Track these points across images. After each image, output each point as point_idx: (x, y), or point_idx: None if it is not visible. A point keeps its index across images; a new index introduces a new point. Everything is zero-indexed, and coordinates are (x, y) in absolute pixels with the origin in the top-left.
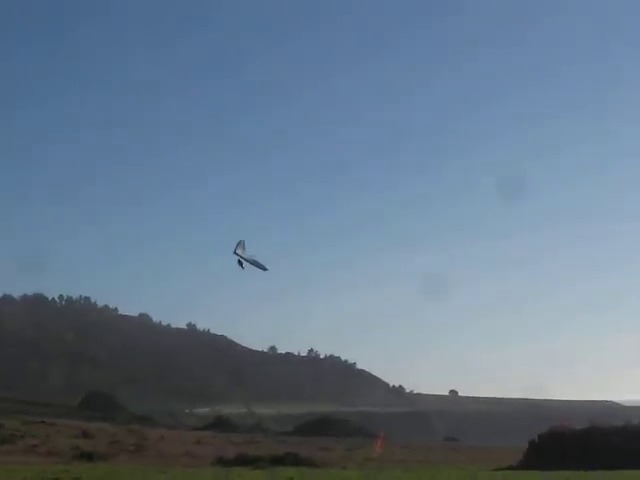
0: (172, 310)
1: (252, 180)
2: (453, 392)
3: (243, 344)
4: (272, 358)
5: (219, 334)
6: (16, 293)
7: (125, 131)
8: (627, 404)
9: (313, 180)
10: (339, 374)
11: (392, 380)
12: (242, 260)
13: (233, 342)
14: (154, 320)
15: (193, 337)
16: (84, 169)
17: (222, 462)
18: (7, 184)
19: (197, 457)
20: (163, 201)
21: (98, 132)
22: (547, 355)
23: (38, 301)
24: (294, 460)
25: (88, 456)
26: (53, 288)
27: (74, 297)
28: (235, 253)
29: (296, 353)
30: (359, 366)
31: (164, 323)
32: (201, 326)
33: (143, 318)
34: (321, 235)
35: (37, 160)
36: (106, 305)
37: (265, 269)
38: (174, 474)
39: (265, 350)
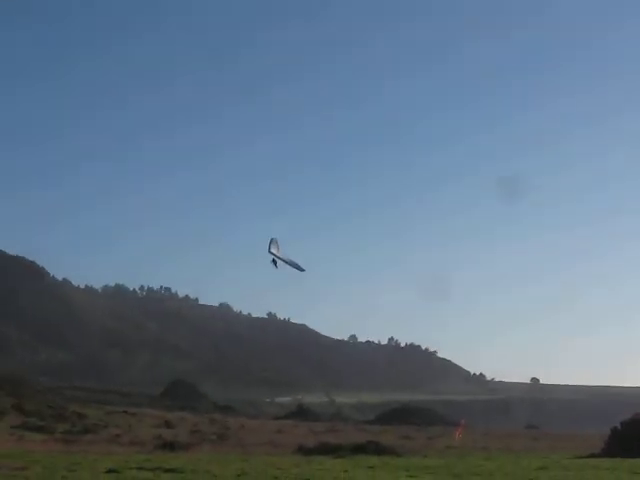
0: (252, 300)
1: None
2: (534, 380)
3: (323, 333)
4: (352, 347)
5: (299, 323)
6: (97, 284)
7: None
8: None
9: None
10: (419, 362)
11: (473, 368)
12: (276, 259)
13: (313, 331)
14: (234, 310)
15: (273, 326)
16: (164, 163)
17: (303, 451)
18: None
19: (278, 446)
20: (242, 193)
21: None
22: (627, 343)
23: (119, 292)
24: (375, 449)
25: (170, 446)
26: (134, 279)
27: (155, 287)
28: (270, 252)
29: (376, 341)
30: (440, 354)
31: (244, 312)
32: (281, 315)
33: (223, 308)
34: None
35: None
36: (187, 295)
37: (302, 270)
38: (256, 463)
39: (345, 339)
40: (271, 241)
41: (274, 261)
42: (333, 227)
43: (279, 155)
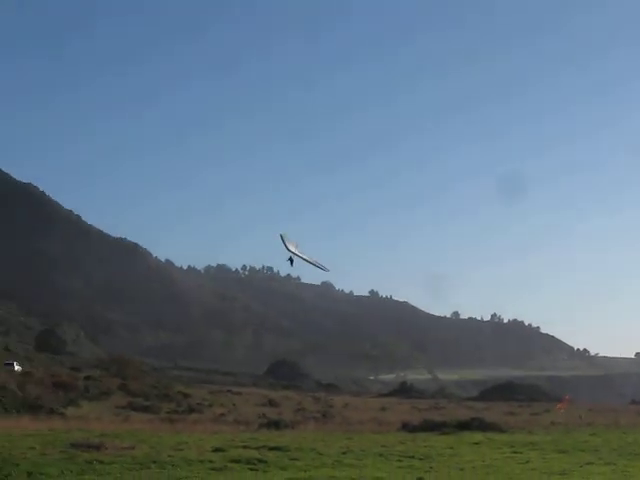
0: (354, 278)
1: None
2: (639, 355)
3: (425, 310)
4: (455, 323)
5: (401, 300)
6: (200, 265)
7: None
8: None
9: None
10: (523, 338)
11: (576, 343)
12: (293, 258)
13: (415, 308)
14: (336, 288)
15: (375, 304)
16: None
17: (407, 428)
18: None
19: (382, 423)
20: (351, 168)
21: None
22: None
23: (221, 272)
24: (480, 425)
25: (275, 424)
26: (236, 259)
27: (257, 267)
28: (289, 251)
29: (479, 318)
30: (543, 330)
31: (346, 291)
32: (383, 293)
33: (325, 286)
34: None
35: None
36: (288, 274)
37: (326, 270)
38: (360, 440)
39: (448, 315)
40: (282, 237)
41: (290, 259)
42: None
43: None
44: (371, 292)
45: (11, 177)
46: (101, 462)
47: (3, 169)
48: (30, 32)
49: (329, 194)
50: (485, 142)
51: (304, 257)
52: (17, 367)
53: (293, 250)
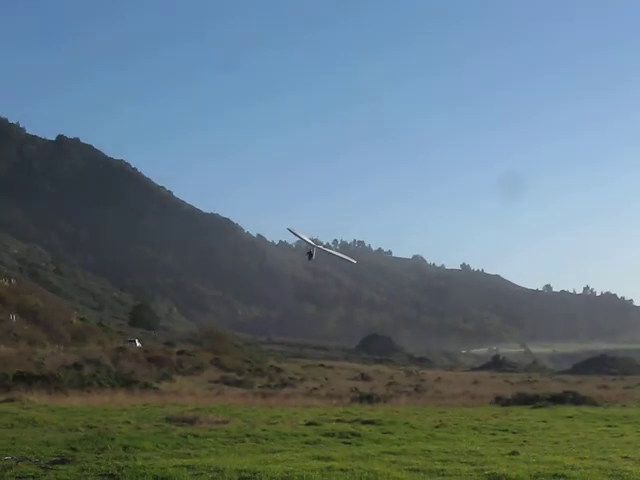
0: (445, 251)
1: None
2: None
3: (517, 283)
4: (547, 297)
5: (493, 274)
6: (291, 240)
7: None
8: None
9: None
10: (615, 311)
11: None
12: (312, 253)
13: (507, 281)
14: (428, 262)
15: (467, 278)
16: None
17: (500, 402)
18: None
19: (475, 397)
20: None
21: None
22: None
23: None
24: (573, 399)
25: (367, 398)
26: (327, 233)
27: (348, 241)
28: (313, 245)
29: (571, 291)
30: (636, 303)
31: (438, 264)
32: (475, 266)
33: (417, 260)
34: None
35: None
36: (380, 248)
37: (353, 262)
38: (453, 414)
39: (540, 288)
40: (294, 232)
41: (309, 253)
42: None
43: None
44: (462, 266)
45: (104, 154)
46: (195, 436)
47: (95, 146)
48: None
49: (421, 176)
50: None
51: (329, 250)
52: (138, 344)
53: (309, 241)
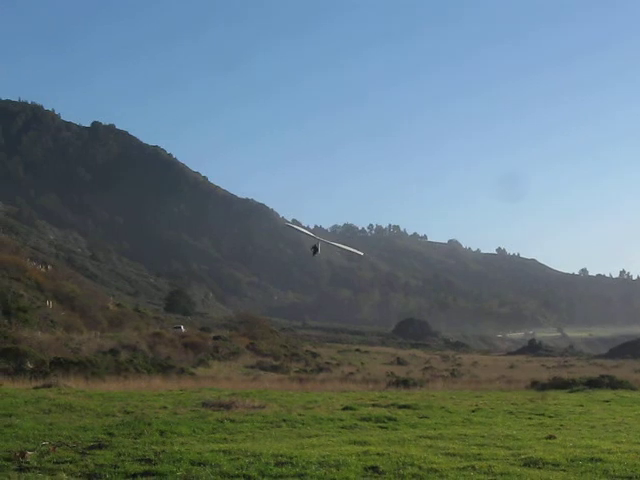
0: (481, 235)
1: None
2: None
3: (554, 267)
4: (583, 281)
5: (529, 258)
6: (326, 224)
7: None
8: None
9: None
10: None
11: None
12: (317, 247)
13: (543, 265)
14: (463, 246)
15: (503, 262)
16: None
17: (537, 386)
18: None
19: (511, 381)
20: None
21: None
22: None
23: (348, 231)
24: (610, 383)
25: (403, 382)
26: (362, 218)
27: (383, 226)
28: (318, 240)
29: (607, 275)
30: None
31: (473, 249)
32: (511, 250)
33: (452, 244)
34: None
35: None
36: (415, 233)
37: (360, 254)
38: (489, 398)
39: (576, 273)
40: (296, 227)
41: (314, 248)
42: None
43: None
44: (498, 250)
45: (139, 140)
46: (232, 421)
47: (131, 133)
48: None
49: (458, 160)
50: None
51: (334, 243)
52: (183, 329)
53: (313, 235)
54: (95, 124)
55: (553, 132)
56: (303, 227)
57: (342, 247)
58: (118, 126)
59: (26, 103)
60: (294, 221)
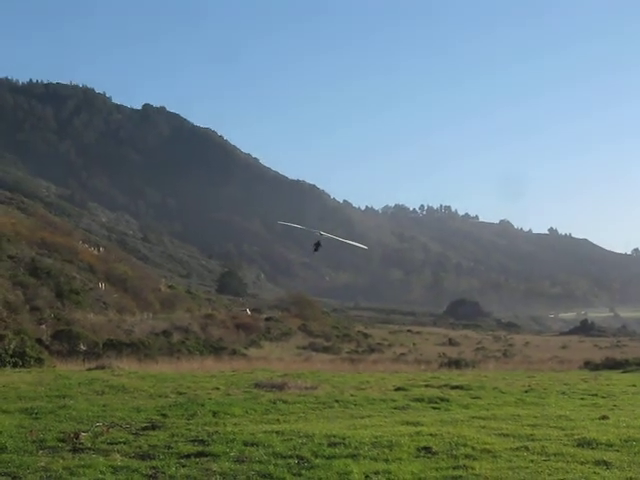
0: (533, 216)
1: None
2: None
3: (605, 247)
4: (636, 260)
5: (581, 238)
6: (378, 205)
7: None
8: None
9: None
10: None
11: None
12: (321, 241)
13: (595, 246)
14: (515, 226)
15: (555, 242)
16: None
17: (589, 366)
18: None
19: (564, 362)
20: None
21: None
22: None
23: (399, 212)
24: None
25: (455, 363)
26: (413, 198)
27: (435, 207)
28: (320, 235)
29: None
30: None
31: (525, 229)
32: (562, 231)
33: (504, 225)
34: None
35: None
36: (466, 213)
37: (365, 248)
38: (542, 379)
39: (628, 253)
40: (287, 224)
41: (316, 244)
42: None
43: None
44: (550, 230)
45: (190, 123)
46: (285, 402)
47: (182, 115)
48: None
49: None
50: None
51: (335, 237)
52: (249, 312)
53: (313, 230)
54: (146, 106)
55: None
56: (296, 225)
57: (345, 241)
58: (169, 108)
59: (77, 86)
60: (345, 202)
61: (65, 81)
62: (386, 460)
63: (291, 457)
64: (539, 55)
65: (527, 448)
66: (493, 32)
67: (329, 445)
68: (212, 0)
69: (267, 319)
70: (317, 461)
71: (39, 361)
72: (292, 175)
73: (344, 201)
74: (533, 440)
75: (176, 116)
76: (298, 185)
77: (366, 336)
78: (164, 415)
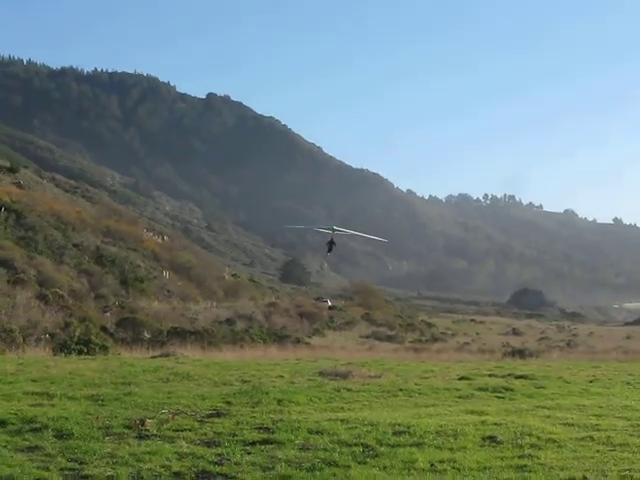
0: (597, 205)
1: None
2: None
3: None
4: None
5: None
6: (441, 194)
7: None
8: None
9: None
10: None
11: None
12: (332, 244)
13: None
14: (579, 216)
15: (619, 232)
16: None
17: None
18: None
19: (628, 352)
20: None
21: None
22: None
23: (463, 201)
24: None
25: (519, 353)
26: (477, 188)
27: (498, 196)
28: (333, 230)
29: None
30: None
31: (589, 219)
32: (628, 220)
33: (568, 214)
34: None
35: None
36: (530, 202)
37: (385, 241)
38: (606, 369)
39: None
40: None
41: (330, 243)
42: None
43: None
44: (615, 220)
45: (253, 112)
46: (349, 390)
47: (246, 104)
48: None
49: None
50: None
51: (355, 232)
52: (329, 303)
53: (325, 230)
54: (210, 95)
55: None
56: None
57: (363, 235)
58: (233, 97)
59: (142, 75)
60: (409, 191)
61: (130, 70)
62: (451, 449)
63: (356, 445)
64: None
65: (592, 438)
66: None
67: (394, 433)
68: None
69: (330, 308)
70: (382, 449)
71: (104, 348)
72: (356, 164)
73: (408, 190)
74: (598, 430)
75: (240, 105)
76: (361, 173)
77: (429, 325)
78: (229, 403)
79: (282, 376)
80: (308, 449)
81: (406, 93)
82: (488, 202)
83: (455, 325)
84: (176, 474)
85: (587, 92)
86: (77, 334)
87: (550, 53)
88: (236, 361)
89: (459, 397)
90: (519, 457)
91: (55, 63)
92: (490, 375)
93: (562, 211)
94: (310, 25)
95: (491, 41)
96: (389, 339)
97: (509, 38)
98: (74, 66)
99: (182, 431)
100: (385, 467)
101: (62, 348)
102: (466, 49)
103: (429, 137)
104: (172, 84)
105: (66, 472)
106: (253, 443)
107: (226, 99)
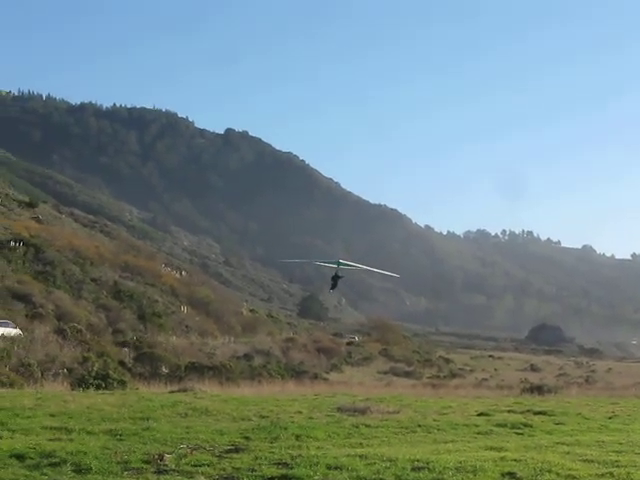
0: (616, 242)
1: None
2: None
3: None
4: None
5: None
6: (459, 230)
7: None
8: None
9: None
10: None
11: None
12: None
13: None
14: (597, 252)
15: (637, 267)
16: None
17: None
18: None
19: None
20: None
21: None
22: None
23: (481, 237)
24: None
25: (538, 389)
26: (495, 224)
27: (516, 232)
28: (339, 264)
29: None
30: None
31: (607, 254)
32: None
33: (586, 250)
34: None
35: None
36: (548, 238)
37: (396, 276)
38: (626, 405)
39: None
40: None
41: (335, 278)
42: None
43: None
44: (633, 255)
45: (272, 147)
46: (367, 426)
47: (264, 140)
48: None
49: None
50: None
51: (366, 267)
52: (357, 339)
53: (331, 265)
54: (228, 131)
55: None
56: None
57: (373, 270)
58: (251, 133)
59: (160, 111)
60: (426, 227)
61: (149, 105)
62: None
63: None
64: None
65: (612, 474)
66: None
67: (413, 469)
68: (293, 25)
69: (348, 343)
70: None
71: (122, 383)
72: (374, 199)
73: (426, 226)
74: (618, 466)
75: (258, 140)
76: (379, 209)
77: (447, 361)
78: (247, 438)
79: (300, 412)
80: None
81: (421, 125)
82: (506, 238)
83: (473, 361)
84: None
85: (605, 125)
86: (95, 369)
87: (568, 86)
88: (254, 396)
89: (478, 433)
90: None
91: (74, 98)
92: (509, 411)
93: (580, 247)
94: (326, 57)
95: (516, 67)
96: (407, 375)
97: (521, 70)
98: (93, 101)
99: (200, 466)
100: None
101: (80, 383)
102: (489, 79)
103: (444, 169)
104: (191, 119)
105: None
106: (272, 478)
107: (244, 134)
